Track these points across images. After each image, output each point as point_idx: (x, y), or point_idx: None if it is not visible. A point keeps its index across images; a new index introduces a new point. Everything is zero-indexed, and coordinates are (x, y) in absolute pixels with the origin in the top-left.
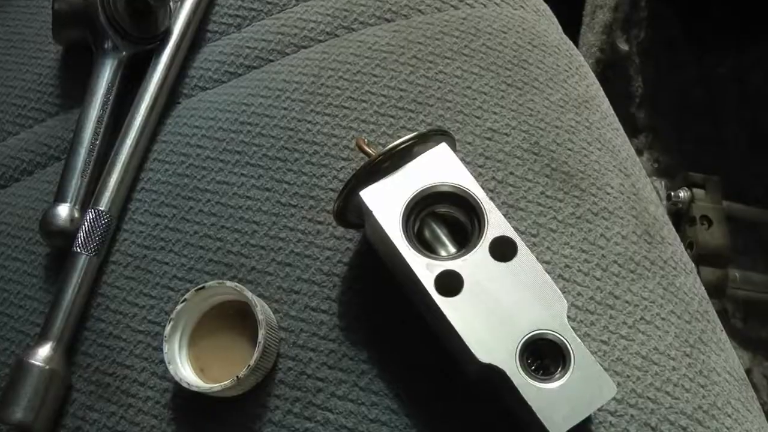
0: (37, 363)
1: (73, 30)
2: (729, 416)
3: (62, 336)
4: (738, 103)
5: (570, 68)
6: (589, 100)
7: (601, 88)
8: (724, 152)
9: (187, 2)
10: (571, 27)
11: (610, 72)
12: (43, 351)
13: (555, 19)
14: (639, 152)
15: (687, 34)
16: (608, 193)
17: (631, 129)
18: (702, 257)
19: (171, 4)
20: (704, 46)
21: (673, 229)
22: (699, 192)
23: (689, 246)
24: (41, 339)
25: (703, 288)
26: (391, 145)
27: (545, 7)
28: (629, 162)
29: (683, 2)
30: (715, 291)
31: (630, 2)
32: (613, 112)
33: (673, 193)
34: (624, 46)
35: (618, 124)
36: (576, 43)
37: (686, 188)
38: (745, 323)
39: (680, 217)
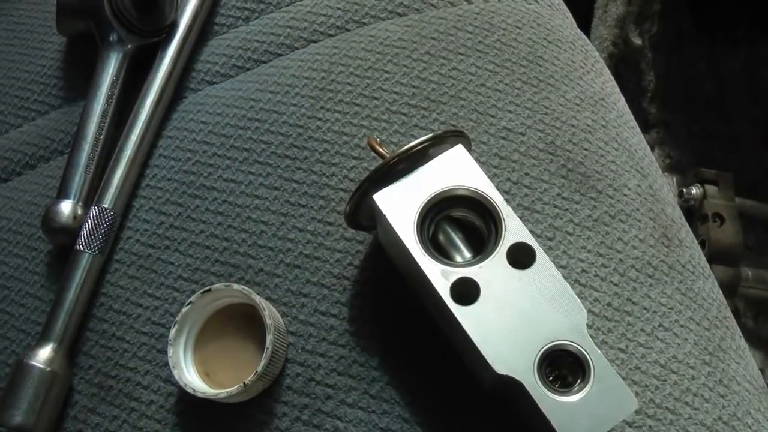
0: (38, 364)
1: (77, 21)
2: (749, 427)
3: (64, 337)
4: (749, 98)
5: (585, 64)
6: (605, 98)
7: (616, 85)
8: (735, 147)
9: None
10: (583, 20)
11: (622, 66)
12: (44, 352)
13: (569, 14)
14: (650, 148)
15: (698, 27)
16: (625, 195)
17: (643, 124)
18: (714, 255)
19: None
20: (715, 39)
21: (691, 232)
22: (711, 188)
23: (701, 244)
24: (42, 339)
25: (720, 293)
26: (405, 147)
27: (559, 1)
28: (646, 161)
29: None
30: (727, 290)
31: None
32: (628, 109)
33: (684, 190)
34: (637, 40)
35: (634, 122)
36: (587, 36)
37: (698, 185)
38: (756, 322)
39: (692, 214)
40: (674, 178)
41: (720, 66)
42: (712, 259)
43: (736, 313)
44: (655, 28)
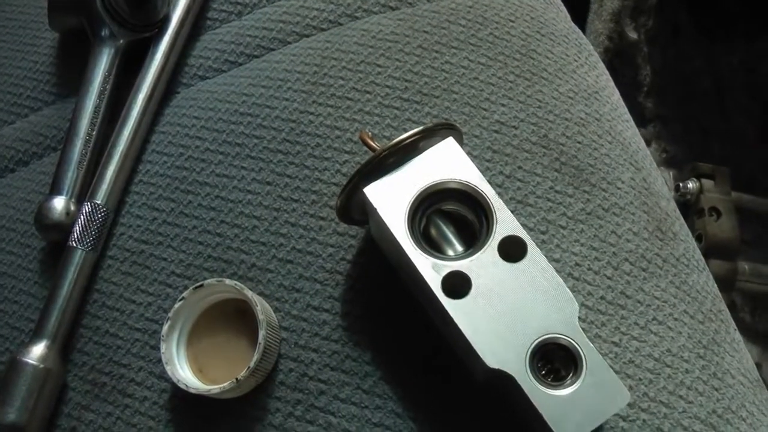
0: (32, 362)
1: (69, 17)
2: (744, 420)
3: (57, 334)
4: (747, 93)
5: (579, 58)
6: (599, 91)
7: (611, 79)
8: (733, 142)
9: None
10: (578, 14)
11: (618, 61)
12: (38, 349)
13: (563, 7)
14: (647, 142)
15: (695, 23)
16: (619, 188)
17: (639, 119)
18: (711, 249)
19: None
20: (712, 35)
21: (685, 225)
22: (708, 183)
23: (698, 238)
24: (36, 337)
25: (715, 286)
26: (396, 140)
27: None
28: (640, 155)
29: None
30: (724, 284)
31: None
32: (623, 103)
33: (681, 184)
34: (633, 35)
35: (628, 116)
36: (583, 30)
37: (695, 179)
38: (753, 316)
39: (688, 208)
40: (671, 173)
41: (717, 61)
42: (708, 254)
43: (734, 308)
44: (650, 23)
